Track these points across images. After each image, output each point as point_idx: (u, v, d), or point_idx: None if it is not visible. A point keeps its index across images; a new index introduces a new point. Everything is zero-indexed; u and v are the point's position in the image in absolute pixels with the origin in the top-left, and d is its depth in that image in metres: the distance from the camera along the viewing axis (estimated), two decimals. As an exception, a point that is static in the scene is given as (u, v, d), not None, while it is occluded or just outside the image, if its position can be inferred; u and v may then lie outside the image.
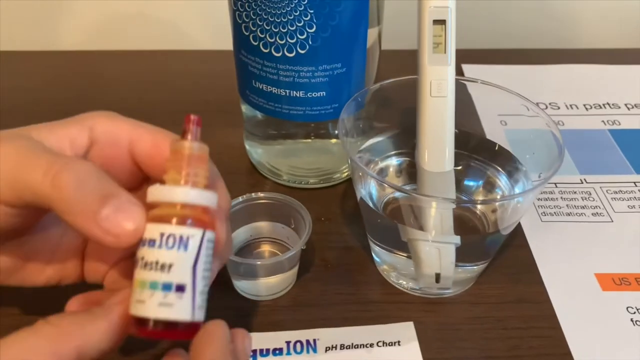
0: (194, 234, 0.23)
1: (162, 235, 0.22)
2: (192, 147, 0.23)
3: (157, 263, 0.22)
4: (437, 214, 0.32)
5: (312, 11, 0.32)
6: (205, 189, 0.23)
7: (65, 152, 0.24)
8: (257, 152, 0.42)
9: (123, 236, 0.22)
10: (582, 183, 0.42)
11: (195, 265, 0.23)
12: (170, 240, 0.22)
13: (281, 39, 0.34)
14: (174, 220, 0.22)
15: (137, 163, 0.26)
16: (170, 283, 0.22)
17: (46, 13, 0.58)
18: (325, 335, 0.31)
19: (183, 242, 0.22)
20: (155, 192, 0.23)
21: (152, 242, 0.22)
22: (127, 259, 0.27)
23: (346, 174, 0.41)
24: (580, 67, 0.55)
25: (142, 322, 0.22)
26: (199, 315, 0.23)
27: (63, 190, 0.21)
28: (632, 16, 0.61)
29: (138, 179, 0.27)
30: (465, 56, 0.55)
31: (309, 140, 0.41)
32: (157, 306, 0.22)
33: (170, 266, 0.22)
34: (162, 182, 0.23)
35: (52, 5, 0.57)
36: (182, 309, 0.22)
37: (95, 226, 0.21)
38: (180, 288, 0.22)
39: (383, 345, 0.31)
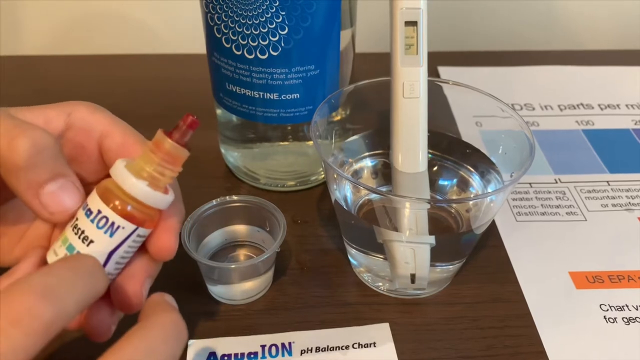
0: (125, 226, 0.23)
1: (98, 212, 0.23)
2: (171, 146, 0.23)
3: (82, 232, 0.23)
4: (412, 215, 0.32)
5: (283, 13, 0.32)
6: (161, 191, 0.24)
7: None
8: (233, 155, 0.41)
9: (57, 214, 0.23)
10: (556, 183, 0.42)
11: (114, 252, 0.24)
12: (102, 222, 0.23)
13: (253, 41, 0.34)
14: (116, 204, 0.23)
15: (103, 157, 0.26)
16: None
17: (6, 14, 0.56)
18: (300, 338, 0.31)
19: (112, 229, 0.23)
20: (117, 170, 0.24)
21: (89, 212, 0.23)
22: None
23: (323, 175, 0.41)
24: (554, 68, 0.55)
25: None
26: None
27: (17, 154, 0.22)
28: (605, 18, 0.62)
29: (100, 173, 0.27)
30: (442, 58, 0.56)
31: (285, 142, 0.40)
32: None
33: (91, 242, 0.23)
34: (132, 160, 0.24)
35: (12, 5, 0.56)
36: None
37: (36, 198, 0.22)
38: None
39: (359, 347, 0.31)
